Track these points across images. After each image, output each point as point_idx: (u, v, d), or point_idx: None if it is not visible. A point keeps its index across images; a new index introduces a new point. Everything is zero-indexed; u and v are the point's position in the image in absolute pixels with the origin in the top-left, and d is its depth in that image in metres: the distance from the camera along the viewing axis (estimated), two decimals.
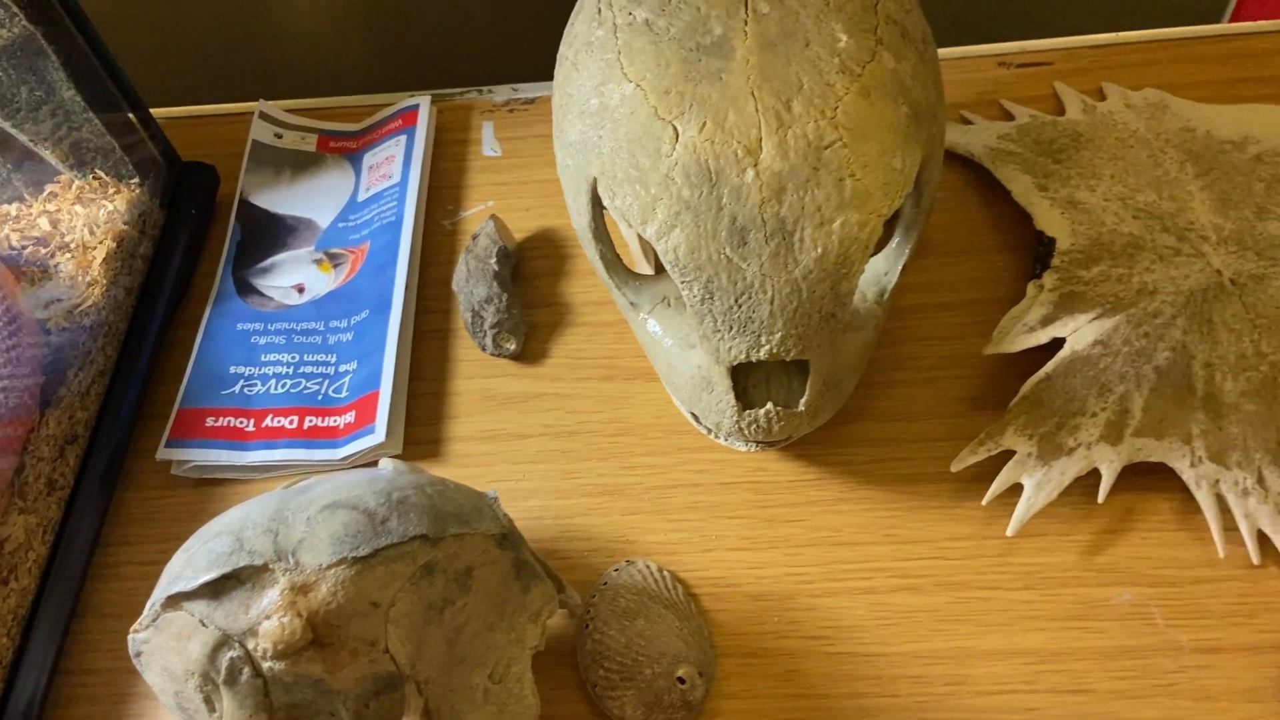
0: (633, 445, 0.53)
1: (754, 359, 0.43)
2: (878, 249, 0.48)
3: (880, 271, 0.48)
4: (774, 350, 0.42)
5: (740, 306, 0.42)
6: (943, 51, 0.67)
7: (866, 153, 0.42)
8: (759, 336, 0.42)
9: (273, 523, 0.37)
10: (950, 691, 0.44)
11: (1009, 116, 0.62)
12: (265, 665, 0.36)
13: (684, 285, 0.42)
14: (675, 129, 0.42)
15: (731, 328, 0.42)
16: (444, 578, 0.38)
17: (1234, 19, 1.14)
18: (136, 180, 0.61)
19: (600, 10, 0.47)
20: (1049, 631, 0.45)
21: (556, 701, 0.46)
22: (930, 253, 0.58)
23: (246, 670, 0.36)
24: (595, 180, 0.44)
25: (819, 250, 0.41)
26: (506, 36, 0.82)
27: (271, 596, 0.36)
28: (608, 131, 0.44)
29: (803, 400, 0.45)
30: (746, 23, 0.44)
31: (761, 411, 0.45)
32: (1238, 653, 0.44)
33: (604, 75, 0.45)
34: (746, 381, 0.46)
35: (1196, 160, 0.55)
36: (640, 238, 0.54)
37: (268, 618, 0.35)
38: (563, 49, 0.49)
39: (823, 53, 0.43)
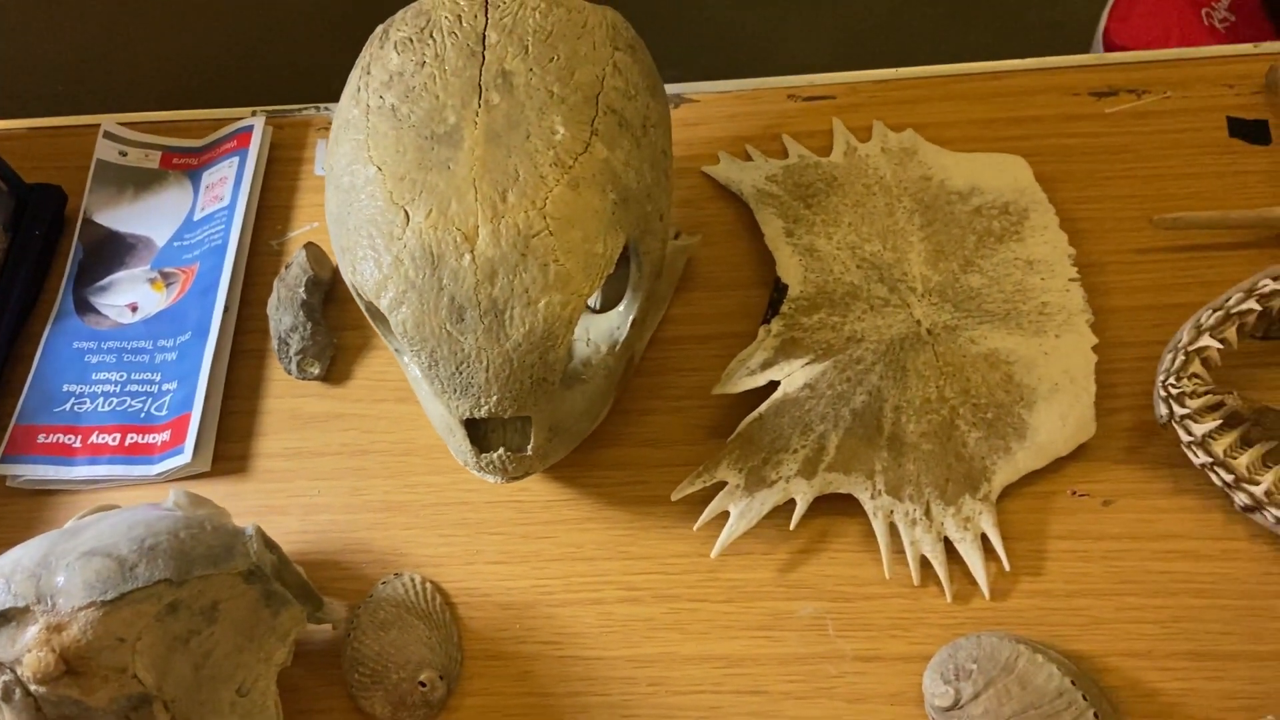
0: (417, 465, 0.60)
1: (477, 416, 0.49)
2: (608, 307, 0.55)
3: (613, 326, 0.55)
4: (492, 410, 0.49)
5: (461, 373, 0.48)
6: (737, 83, 0.72)
7: (570, 240, 0.48)
8: (478, 399, 0.49)
9: (38, 568, 0.44)
10: (652, 691, 0.52)
11: (786, 153, 0.68)
12: (32, 688, 0.43)
13: (412, 354, 0.49)
14: (407, 214, 0.48)
15: (456, 390, 0.49)
16: (189, 613, 0.45)
17: (1105, 48, 1.19)
18: None
19: (359, 90, 0.52)
20: (740, 639, 0.53)
21: (325, 697, 0.54)
22: (696, 286, 0.64)
23: (19, 690, 0.43)
24: (343, 251, 0.50)
25: (526, 327, 0.48)
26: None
27: (31, 633, 0.43)
28: (353, 210, 0.49)
29: (530, 447, 0.51)
30: (478, 114, 0.49)
31: (496, 455, 0.52)
32: (891, 661, 0.52)
33: (354, 155, 0.50)
34: (486, 427, 0.52)
35: (925, 210, 0.61)
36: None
37: (29, 651, 0.42)
38: (334, 118, 0.54)
39: (540, 145, 0.48)
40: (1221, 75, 0.67)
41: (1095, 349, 0.56)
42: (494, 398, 0.49)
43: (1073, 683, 0.48)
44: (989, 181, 0.62)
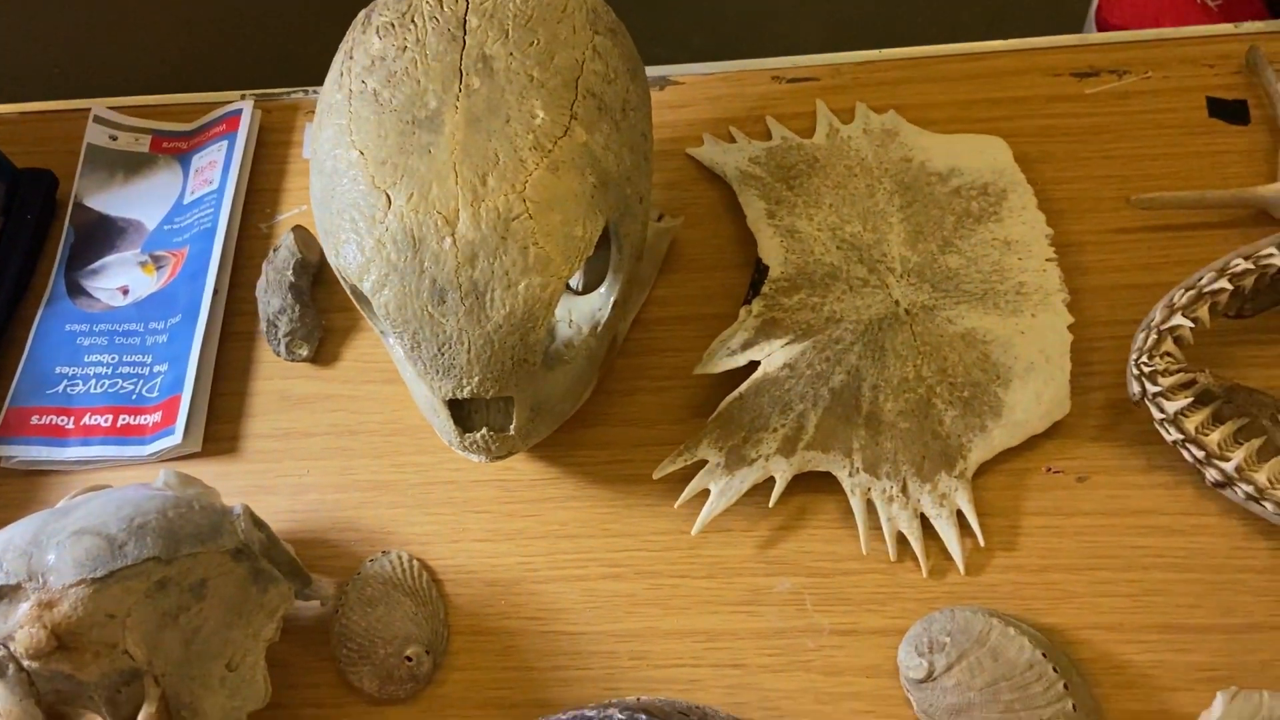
0: (404, 444, 0.61)
1: (459, 396, 0.50)
2: (591, 289, 0.56)
3: (595, 308, 0.55)
4: (474, 391, 0.50)
5: (443, 355, 0.49)
6: (722, 65, 0.72)
7: (550, 223, 0.48)
8: (460, 379, 0.50)
9: (30, 546, 0.45)
10: (634, 665, 0.53)
11: (770, 134, 0.68)
12: (24, 663, 0.44)
13: (395, 335, 0.49)
14: (389, 197, 0.49)
15: (438, 371, 0.50)
16: (178, 590, 0.46)
17: (1099, 28, 1.19)
18: None
19: (342, 74, 0.52)
20: (720, 614, 0.54)
21: (314, 672, 0.55)
22: (680, 267, 0.65)
23: (12, 665, 0.44)
24: (326, 235, 0.51)
25: (507, 309, 0.48)
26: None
27: (23, 610, 0.44)
28: (336, 194, 0.50)
29: (512, 426, 0.52)
30: (459, 98, 0.50)
31: (479, 434, 0.53)
32: (867, 635, 0.53)
33: (337, 139, 0.51)
34: (469, 407, 0.53)
35: (905, 192, 0.62)
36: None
37: (21, 627, 0.43)
38: (318, 103, 0.55)
39: (520, 129, 0.49)
40: (1202, 55, 0.68)
41: (1071, 328, 0.57)
42: (476, 378, 0.50)
43: (1044, 655, 0.49)
44: (968, 162, 0.63)
